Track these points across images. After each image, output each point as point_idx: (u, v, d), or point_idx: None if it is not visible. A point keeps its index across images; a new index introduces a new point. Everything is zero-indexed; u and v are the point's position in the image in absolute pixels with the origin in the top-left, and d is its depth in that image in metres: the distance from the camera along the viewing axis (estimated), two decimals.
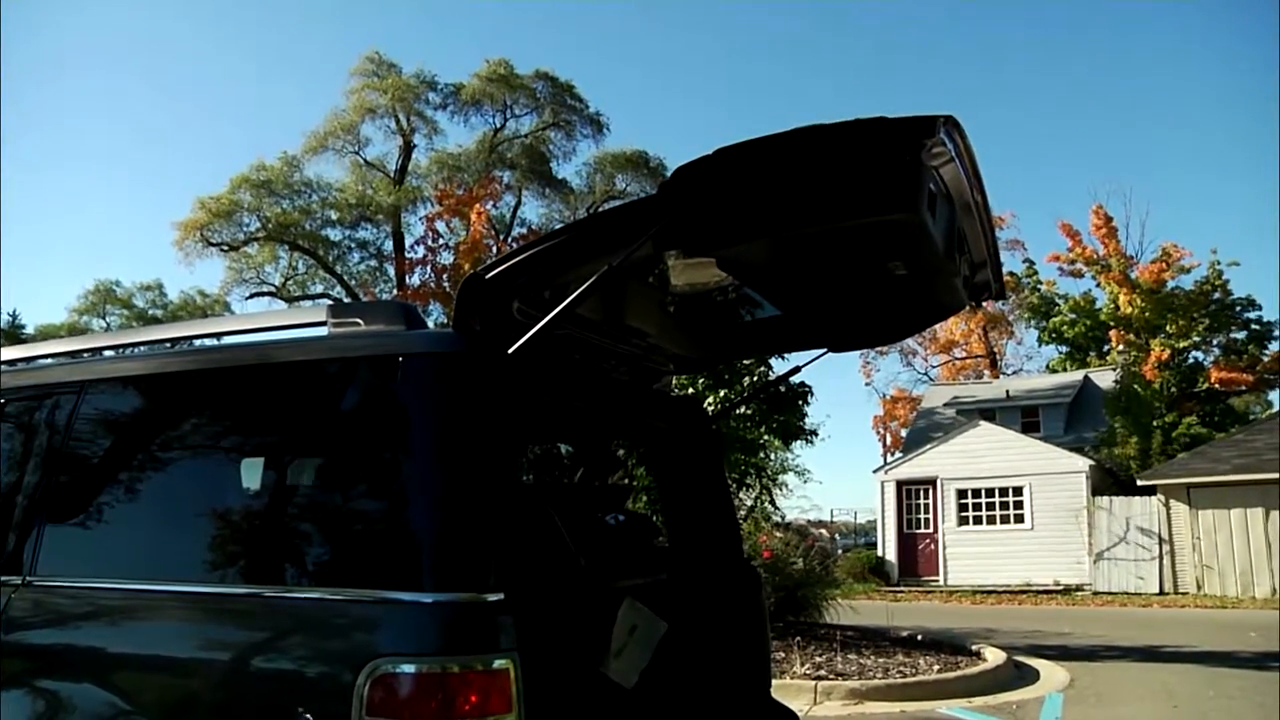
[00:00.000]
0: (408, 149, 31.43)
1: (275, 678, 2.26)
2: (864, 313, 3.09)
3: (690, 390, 10.25)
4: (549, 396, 2.74)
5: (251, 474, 2.51)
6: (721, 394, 10.42)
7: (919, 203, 2.09)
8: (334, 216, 30.90)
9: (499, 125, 31.63)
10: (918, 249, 2.42)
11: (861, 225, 2.22)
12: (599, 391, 3.02)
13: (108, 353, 3.15)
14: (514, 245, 22.84)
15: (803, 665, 8.98)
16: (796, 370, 3.69)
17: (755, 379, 10.70)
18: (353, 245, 31.71)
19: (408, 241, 30.73)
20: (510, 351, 2.33)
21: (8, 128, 48.08)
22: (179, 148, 54.61)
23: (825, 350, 3.40)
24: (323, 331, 2.60)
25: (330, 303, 2.81)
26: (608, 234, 2.30)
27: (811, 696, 8.38)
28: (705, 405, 9.91)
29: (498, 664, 2.06)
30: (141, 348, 2.95)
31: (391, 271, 31.23)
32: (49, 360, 3.19)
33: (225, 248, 30.37)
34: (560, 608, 2.35)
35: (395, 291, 29.45)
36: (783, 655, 9.38)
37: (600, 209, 25.07)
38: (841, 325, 3.20)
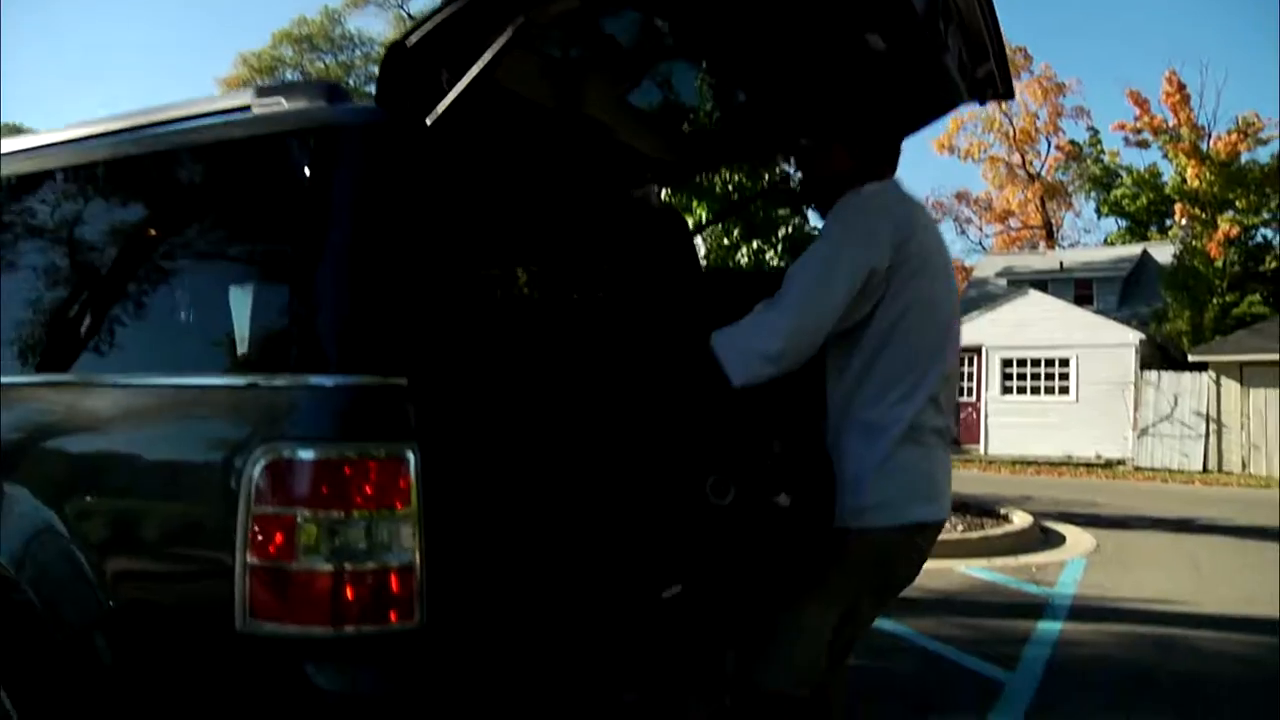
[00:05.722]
0: None
1: (162, 468, 2.12)
2: (851, 107, 2.80)
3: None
4: (490, 182, 2.51)
5: (153, 259, 2.35)
6: (754, 244, 10.05)
7: None
8: (376, 72, 30.37)
9: None
10: (892, 12, 2.12)
11: None
12: (559, 187, 2.78)
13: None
14: None
15: None
16: (787, 182, 3.43)
17: (789, 230, 10.29)
18: None
19: None
20: (429, 122, 2.10)
21: None
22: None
23: None
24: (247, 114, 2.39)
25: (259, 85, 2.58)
26: None
27: None
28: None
29: (396, 452, 1.89)
30: (64, 145, 2.73)
31: None
32: None
33: None
34: (480, 399, 2.16)
35: None
36: None
37: None
38: (829, 123, 2.90)
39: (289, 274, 2.12)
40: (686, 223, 3.40)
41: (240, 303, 2.19)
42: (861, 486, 2.26)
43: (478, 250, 2.34)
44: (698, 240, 10.13)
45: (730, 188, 9.09)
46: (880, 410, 2.29)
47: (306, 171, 2.15)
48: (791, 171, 9.14)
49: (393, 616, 1.89)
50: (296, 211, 2.14)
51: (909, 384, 2.30)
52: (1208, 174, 26.99)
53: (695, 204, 9.50)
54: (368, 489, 1.88)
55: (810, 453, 2.30)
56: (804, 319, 2.21)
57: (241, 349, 2.13)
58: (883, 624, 5.96)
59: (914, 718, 4.29)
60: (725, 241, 9.78)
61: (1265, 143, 28.08)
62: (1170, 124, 28.61)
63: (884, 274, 2.23)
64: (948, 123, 33.51)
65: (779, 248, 9.97)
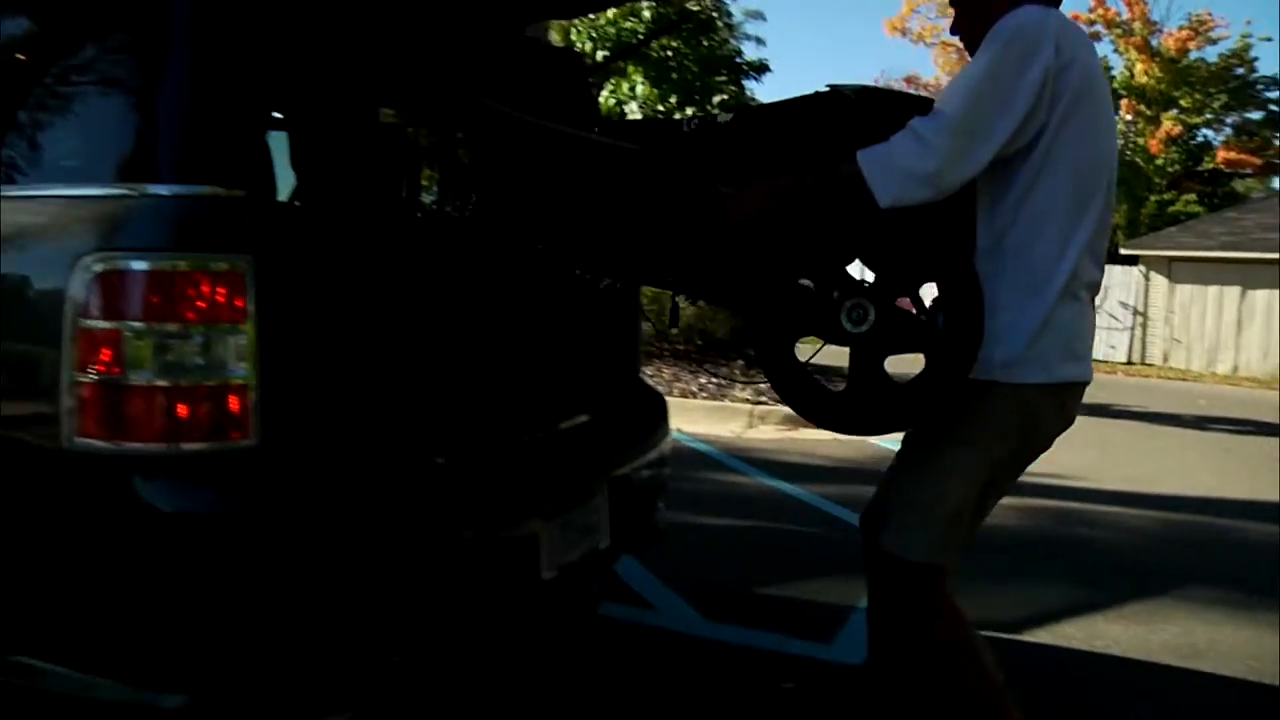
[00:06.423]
0: None
1: None
2: None
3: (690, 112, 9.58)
4: None
5: None
6: (691, 111, 9.84)
7: None
8: None
9: None
10: None
11: None
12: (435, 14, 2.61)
13: None
14: None
15: (743, 390, 8.99)
16: (682, 22, 3.27)
17: (726, 98, 10.05)
18: None
19: None
20: None
21: None
22: None
23: None
24: None
25: None
26: None
27: (747, 420, 8.43)
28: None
29: (233, 265, 1.79)
30: None
31: None
32: None
33: None
34: (327, 216, 2.03)
35: None
36: (726, 380, 9.40)
37: None
38: None
39: (126, 79, 1.97)
40: (583, 61, 3.25)
41: (75, 109, 2.04)
42: (1018, 339, 2.10)
43: (338, 63, 2.19)
44: (633, 107, 9.90)
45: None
46: (1037, 257, 2.11)
47: None
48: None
49: (233, 435, 1.82)
50: (135, 12, 1.98)
51: (1066, 227, 2.12)
52: (1156, 70, 26.90)
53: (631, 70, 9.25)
54: (200, 303, 1.78)
55: (962, 285, 2.13)
56: (964, 138, 2.01)
57: (76, 159, 1.99)
58: (786, 488, 6.06)
59: (807, 578, 4.37)
60: (661, 108, 9.55)
61: (1215, 42, 27.98)
62: (1124, 18, 28.35)
63: (1048, 98, 2.03)
64: (901, 4, 33.01)
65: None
